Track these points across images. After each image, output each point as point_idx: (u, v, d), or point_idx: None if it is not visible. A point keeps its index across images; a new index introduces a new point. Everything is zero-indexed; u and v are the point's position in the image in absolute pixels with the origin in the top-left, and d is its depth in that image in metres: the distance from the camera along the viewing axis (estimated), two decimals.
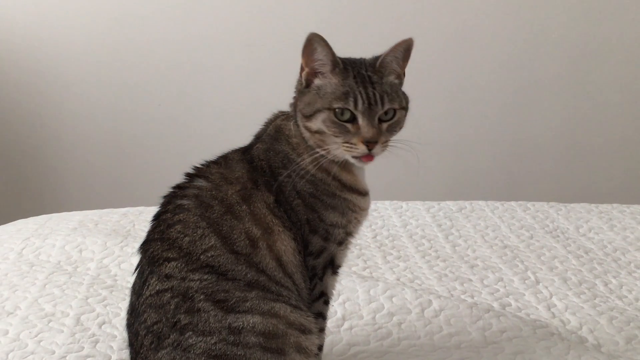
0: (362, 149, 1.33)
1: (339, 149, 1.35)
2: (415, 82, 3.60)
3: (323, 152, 1.36)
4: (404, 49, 1.39)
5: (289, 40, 3.04)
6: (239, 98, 3.52)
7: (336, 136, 1.34)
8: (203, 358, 1.22)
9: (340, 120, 1.34)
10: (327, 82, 1.36)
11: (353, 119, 1.34)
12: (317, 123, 1.35)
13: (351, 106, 1.33)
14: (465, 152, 3.67)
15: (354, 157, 1.35)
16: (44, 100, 3.53)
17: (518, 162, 3.70)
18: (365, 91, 1.33)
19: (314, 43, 1.35)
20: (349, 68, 1.36)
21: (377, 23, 3.39)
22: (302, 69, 1.39)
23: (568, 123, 3.67)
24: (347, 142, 1.34)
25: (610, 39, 3.56)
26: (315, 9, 3.43)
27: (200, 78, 3.53)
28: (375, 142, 1.33)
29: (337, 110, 1.34)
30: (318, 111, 1.35)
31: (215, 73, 3.52)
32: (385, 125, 1.36)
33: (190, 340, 1.23)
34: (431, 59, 3.50)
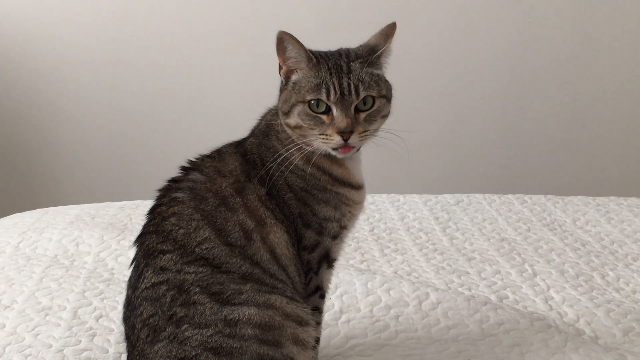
0: (337, 139, 1.33)
1: (316, 141, 1.35)
2: (412, 74, 3.60)
3: (307, 147, 1.36)
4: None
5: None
6: (235, 93, 3.51)
7: (312, 129, 1.34)
8: (199, 351, 1.22)
9: (315, 113, 1.34)
10: (302, 76, 1.36)
11: (328, 110, 1.34)
12: (294, 118, 1.35)
13: (323, 97, 1.33)
14: (462, 144, 3.67)
15: (332, 148, 1.35)
16: (40, 94, 3.52)
17: (515, 155, 3.70)
18: (338, 81, 1.33)
19: (284, 41, 1.35)
20: (323, 60, 1.36)
21: (375, 15, 3.38)
22: (280, 68, 1.40)
23: (565, 116, 3.66)
24: (322, 134, 1.33)
25: (608, 32, 3.56)
26: (313, 3, 3.43)
27: (196, 73, 3.52)
28: (351, 132, 1.32)
29: (311, 102, 1.34)
30: (294, 106, 1.35)
31: (212, 67, 3.51)
32: (363, 115, 1.35)
33: (187, 333, 1.23)
34: (427, 51, 3.49)
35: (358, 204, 1.45)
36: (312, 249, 1.40)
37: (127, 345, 1.33)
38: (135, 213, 2.41)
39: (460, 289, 1.89)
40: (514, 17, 3.53)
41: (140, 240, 1.36)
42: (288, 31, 1.34)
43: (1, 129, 3.57)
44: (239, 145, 1.45)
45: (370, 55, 1.37)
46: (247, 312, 1.24)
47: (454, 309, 1.71)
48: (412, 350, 1.53)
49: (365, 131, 1.35)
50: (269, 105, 1.49)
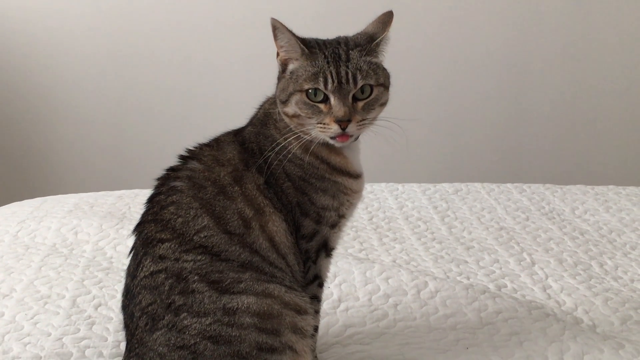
0: (334, 128, 1.33)
1: (314, 130, 1.34)
2: (411, 63, 3.58)
3: (305, 136, 1.36)
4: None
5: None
6: (233, 81, 3.50)
7: (310, 117, 1.34)
8: (198, 339, 1.22)
9: (313, 101, 1.33)
10: (298, 65, 1.36)
11: (326, 99, 1.33)
12: (292, 107, 1.35)
13: (321, 86, 1.32)
14: (461, 133, 3.67)
15: (330, 137, 1.34)
16: (39, 84, 3.51)
17: (514, 144, 3.69)
18: (336, 70, 1.32)
19: (275, 29, 1.34)
20: (319, 49, 1.35)
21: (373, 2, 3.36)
22: (277, 55, 1.39)
23: (564, 105, 3.66)
24: (320, 123, 1.33)
25: (606, 20, 3.55)
26: None
27: (194, 61, 3.51)
28: (349, 121, 1.32)
29: (309, 91, 1.33)
30: (291, 94, 1.35)
31: (210, 56, 3.50)
32: (360, 104, 1.34)
33: (185, 322, 1.24)
34: (426, 40, 3.48)
35: (356, 193, 1.45)
36: (310, 238, 1.40)
37: (125, 334, 1.34)
38: (134, 202, 2.41)
39: (458, 278, 1.89)
40: (513, 8, 3.51)
41: (139, 229, 1.36)
42: (283, 20, 1.33)
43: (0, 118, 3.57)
44: (237, 134, 1.44)
45: (369, 43, 1.37)
46: (246, 301, 1.24)
47: (452, 298, 1.72)
48: (411, 339, 1.54)
49: (363, 120, 1.35)
50: (268, 94, 1.49)
